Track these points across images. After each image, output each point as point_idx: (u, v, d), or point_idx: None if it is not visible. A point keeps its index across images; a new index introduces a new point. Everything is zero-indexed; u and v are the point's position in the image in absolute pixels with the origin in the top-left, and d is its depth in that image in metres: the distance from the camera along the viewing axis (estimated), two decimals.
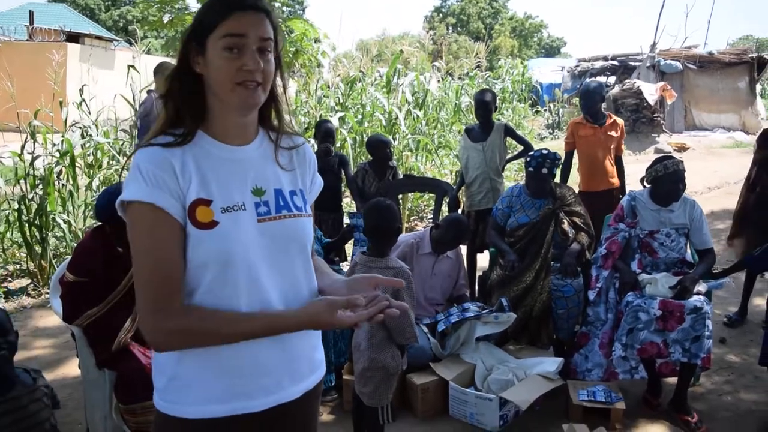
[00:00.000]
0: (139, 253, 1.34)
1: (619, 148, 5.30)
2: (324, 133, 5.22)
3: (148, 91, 6.02)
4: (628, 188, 5.05)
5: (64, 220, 5.90)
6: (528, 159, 4.19)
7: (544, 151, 4.15)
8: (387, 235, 2.91)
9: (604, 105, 5.31)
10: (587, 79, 10.94)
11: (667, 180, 3.74)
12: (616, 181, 5.18)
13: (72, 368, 4.07)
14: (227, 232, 1.36)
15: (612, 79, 18.54)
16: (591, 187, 5.22)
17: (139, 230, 1.34)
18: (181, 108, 1.42)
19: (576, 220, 4.17)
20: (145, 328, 1.34)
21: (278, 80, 1.49)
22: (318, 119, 8.53)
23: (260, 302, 1.41)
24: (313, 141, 5.98)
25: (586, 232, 4.16)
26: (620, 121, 5.29)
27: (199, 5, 9.17)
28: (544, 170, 4.07)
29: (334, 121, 8.29)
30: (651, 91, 13.98)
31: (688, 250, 3.97)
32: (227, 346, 1.37)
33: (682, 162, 3.79)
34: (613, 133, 5.20)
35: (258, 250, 1.40)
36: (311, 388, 1.53)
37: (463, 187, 5.34)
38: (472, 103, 11.81)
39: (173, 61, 1.45)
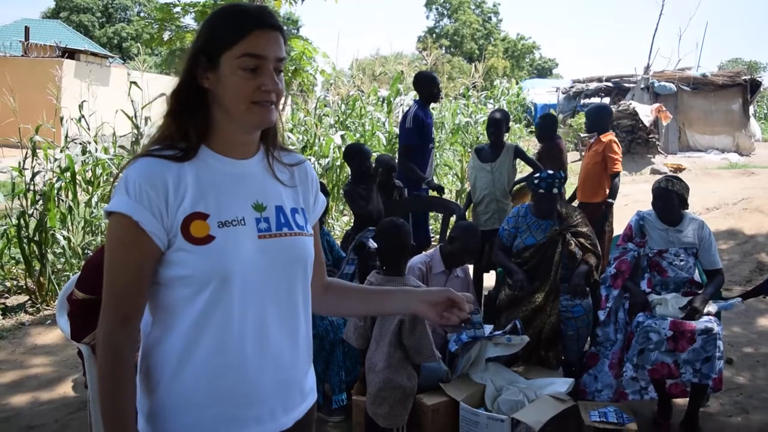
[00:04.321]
0: (113, 266, 1.30)
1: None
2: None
3: (414, 100, 5.74)
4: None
5: (63, 236, 5.84)
6: (537, 181, 4.18)
7: (551, 172, 4.17)
8: (403, 253, 2.90)
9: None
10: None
11: (654, 197, 3.86)
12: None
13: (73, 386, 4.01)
14: (223, 247, 1.30)
15: (606, 100, 18.73)
16: None
17: (117, 243, 1.30)
18: (187, 125, 1.37)
19: (582, 240, 4.16)
20: (103, 333, 1.30)
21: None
22: (315, 137, 8.51)
23: (256, 326, 1.36)
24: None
25: (593, 252, 4.15)
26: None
27: (195, 23, 9.17)
28: (555, 190, 4.08)
29: (336, 139, 8.28)
30: (646, 112, 14.11)
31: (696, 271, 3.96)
32: (224, 368, 1.33)
33: (679, 182, 3.82)
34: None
35: (257, 268, 1.35)
36: (301, 417, 1.48)
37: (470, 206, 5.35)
38: (471, 123, 12.01)
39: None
